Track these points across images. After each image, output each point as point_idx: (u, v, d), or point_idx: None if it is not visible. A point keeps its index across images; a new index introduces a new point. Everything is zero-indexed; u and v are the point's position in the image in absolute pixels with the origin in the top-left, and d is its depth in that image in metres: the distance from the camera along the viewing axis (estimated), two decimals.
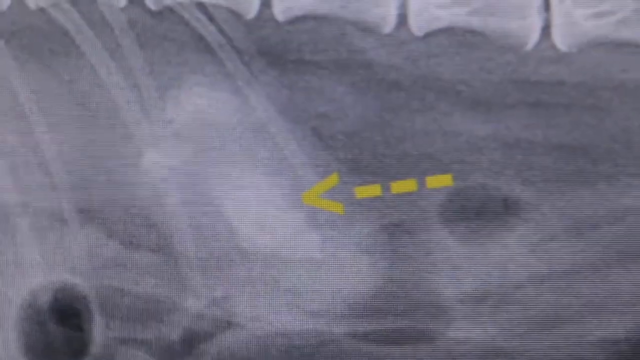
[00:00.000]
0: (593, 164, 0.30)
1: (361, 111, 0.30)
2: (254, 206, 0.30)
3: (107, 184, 0.30)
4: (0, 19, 0.30)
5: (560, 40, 0.29)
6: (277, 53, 0.30)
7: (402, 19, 0.29)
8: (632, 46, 0.30)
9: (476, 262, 0.31)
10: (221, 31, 0.30)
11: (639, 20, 0.29)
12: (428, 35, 0.30)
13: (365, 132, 0.30)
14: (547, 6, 0.29)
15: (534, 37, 0.30)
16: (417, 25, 0.29)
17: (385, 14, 0.29)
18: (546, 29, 0.30)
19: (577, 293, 0.30)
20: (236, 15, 0.30)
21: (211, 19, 0.30)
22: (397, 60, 0.30)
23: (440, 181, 0.30)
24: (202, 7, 0.30)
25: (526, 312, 0.31)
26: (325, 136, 0.30)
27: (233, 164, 0.30)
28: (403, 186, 0.30)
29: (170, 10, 0.30)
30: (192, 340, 0.31)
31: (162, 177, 0.30)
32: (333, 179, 0.30)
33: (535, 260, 0.31)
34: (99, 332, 0.31)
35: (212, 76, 0.30)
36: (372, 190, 0.30)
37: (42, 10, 0.30)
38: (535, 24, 0.29)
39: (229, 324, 0.31)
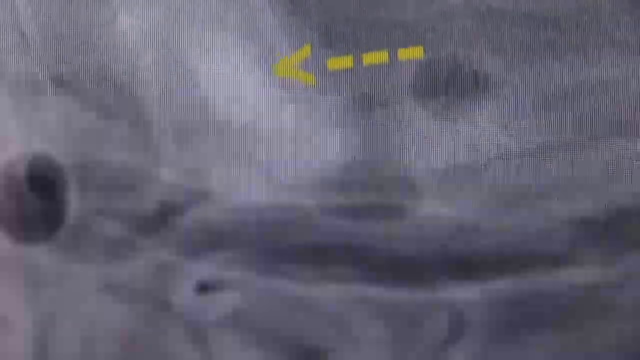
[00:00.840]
0: (562, 35, 0.30)
1: None
2: (227, 77, 0.31)
3: (82, 48, 0.30)
4: None
5: None
6: None
7: None
8: None
9: (447, 136, 0.31)
10: None
11: None
12: None
13: (336, 5, 0.30)
14: None
15: None
16: None
17: None
18: None
19: (546, 170, 0.31)
20: None
21: None
22: None
23: (411, 53, 0.30)
24: None
25: (495, 188, 0.31)
26: (298, 2, 0.30)
27: (205, 29, 0.30)
28: (375, 57, 0.30)
29: None
30: (166, 212, 0.31)
31: (136, 41, 0.30)
32: (306, 50, 0.30)
33: (505, 136, 0.31)
34: (74, 202, 0.31)
35: None
36: (344, 61, 0.30)
37: None
38: None
39: (202, 196, 0.31)
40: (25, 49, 0.30)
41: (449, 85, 0.31)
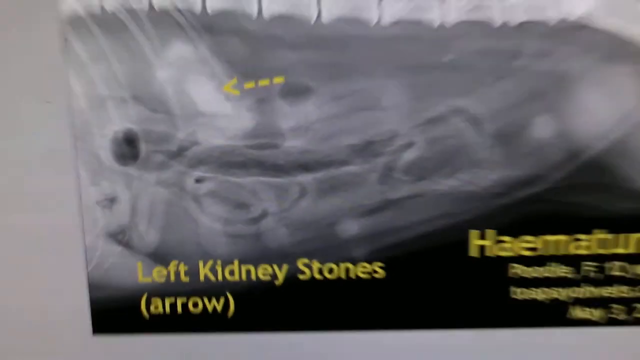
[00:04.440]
0: (349, 68, 0.74)
1: (244, 50, 0.75)
2: (203, 94, 0.75)
3: (142, 82, 0.75)
4: None
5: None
6: (209, 27, 0.75)
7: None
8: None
9: (296, 113, 0.75)
10: (183, 16, 0.74)
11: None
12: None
13: (246, 60, 0.75)
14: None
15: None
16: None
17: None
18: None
19: (336, 115, 0.75)
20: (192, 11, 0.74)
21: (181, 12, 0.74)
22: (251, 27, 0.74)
23: (278, 80, 0.75)
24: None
25: (316, 135, 0.76)
26: (230, 61, 0.75)
27: (192, 74, 0.75)
28: (264, 82, 0.75)
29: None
30: (181, 150, 0.76)
31: (164, 81, 0.75)
32: (234, 80, 0.75)
33: (317, 111, 0.75)
34: (143, 148, 0.76)
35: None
36: (251, 84, 0.75)
37: None
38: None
39: (195, 143, 0.76)
40: (116, 83, 0.75)
41: (292, 91, 0.75)
